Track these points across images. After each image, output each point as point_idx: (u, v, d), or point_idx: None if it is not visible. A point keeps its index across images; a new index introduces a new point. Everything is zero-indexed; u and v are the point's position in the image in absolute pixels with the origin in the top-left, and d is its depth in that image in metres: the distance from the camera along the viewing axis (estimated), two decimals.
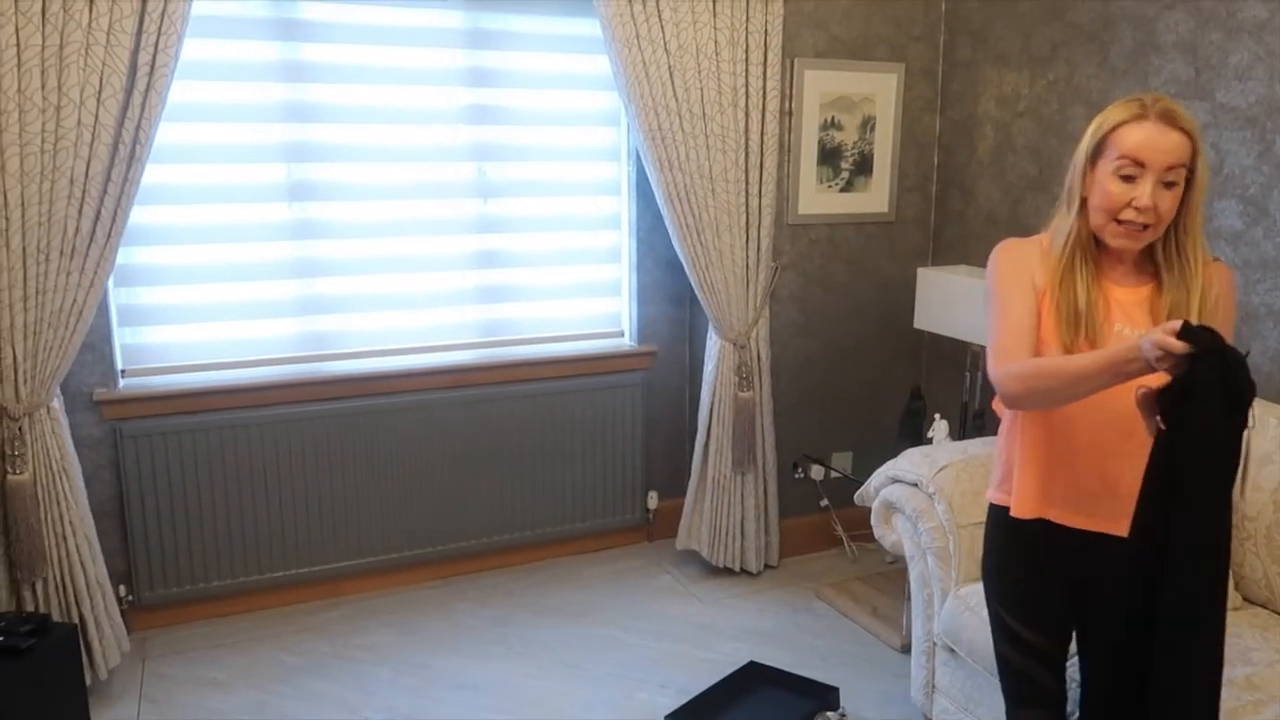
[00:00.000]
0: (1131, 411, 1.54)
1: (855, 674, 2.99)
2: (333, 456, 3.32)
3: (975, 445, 2.70)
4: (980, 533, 2.43)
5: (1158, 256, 1.66)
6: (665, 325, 3.78)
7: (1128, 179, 1.57)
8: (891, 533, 2.67)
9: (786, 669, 2.92)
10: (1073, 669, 1.90)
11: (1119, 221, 1.60)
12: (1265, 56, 2.64)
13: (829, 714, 2.69)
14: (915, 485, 2.58)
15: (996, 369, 1.65)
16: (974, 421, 3.33)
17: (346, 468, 3.34)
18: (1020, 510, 1.75)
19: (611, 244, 3.74)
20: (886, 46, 3.64)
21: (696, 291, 3.46)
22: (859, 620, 3.31)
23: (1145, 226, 1.59)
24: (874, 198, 3.76)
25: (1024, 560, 1.81)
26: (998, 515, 1.85)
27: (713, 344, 3.53)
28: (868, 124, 3.67)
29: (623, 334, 3.82)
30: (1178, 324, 1.38)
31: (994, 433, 2.70)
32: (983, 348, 3.26)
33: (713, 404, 3.54)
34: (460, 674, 2.98)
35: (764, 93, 3.37)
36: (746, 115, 3.37)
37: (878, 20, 3.61)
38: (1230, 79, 2.74)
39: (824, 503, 3.88)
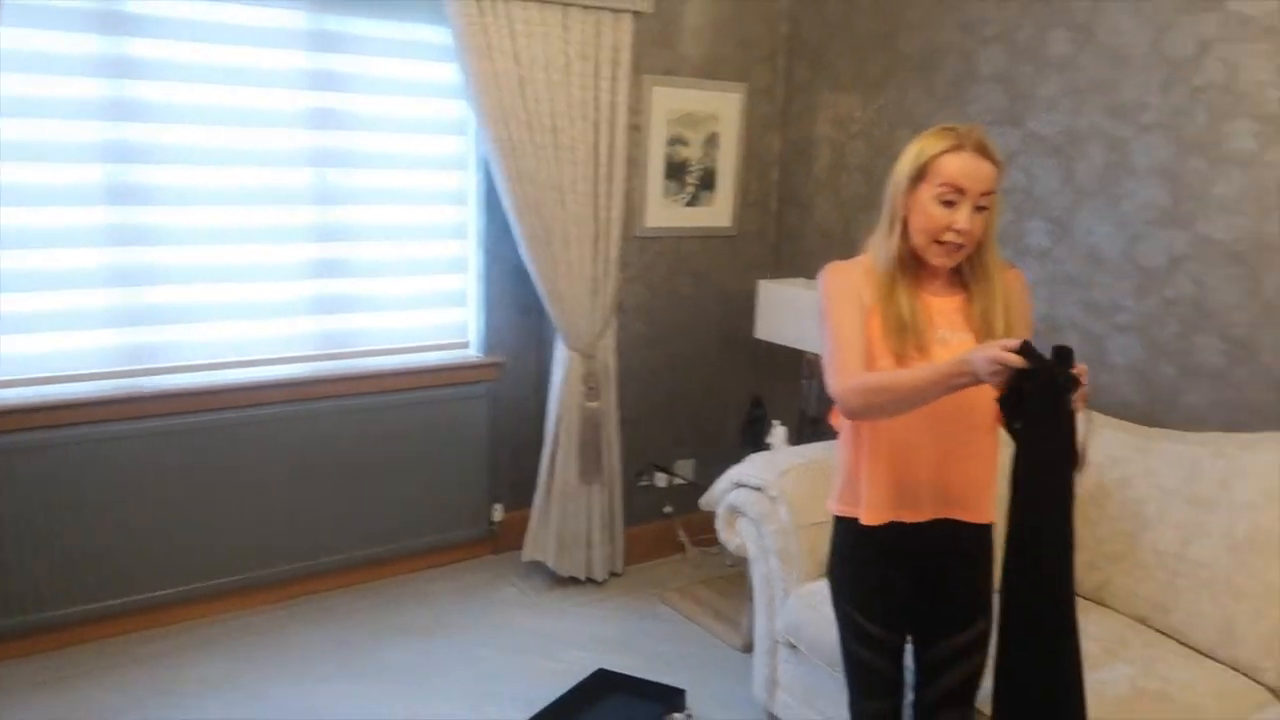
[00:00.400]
0: (961, 411, 1.72)
1: (700, 676, 3.05)
2: (161, 476, 3.10)
3: (814, 450, 2.82)
4: (821, 533, 2.54)
5: (964, 269, 1.84)
6: (513, 335, 3.77)
7: (948, 204, 1.73)
8: (736, 536, 2.75)
9: (634, 674, 2.95)
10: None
11: (939, 242, 1.76)
12: (1070, 91, 2.89)
13: (676, 716, 2.74)
14: (759, 489, 2.66)
15: (837, 385, 1.75)
16: (811, 427, 3.48)
17: (176, 488, 3.13)
18: (871, 518, 1.85)
19: (457, 253, 3.69)
20: (731, 66, 3.77)
21: (544, 301, 3.46)
22: (702, 623, 3.39)
23: (960, 246, 1.76)
24: (718, 212, 3.87)
25: (875, 563, 1.91)
26: (845, 525, 1.94)
27: (560, 354, 3.54)
28: (712, 141, 3.78)
29: (468, 344, 3.77)
30: (1016, 342, 1.54)
31: (830, 438, 2.84)
32: (818, 357, 3.42)
33: (560, 414, 3.54)
34: (300, 702, 2.85)
35: (614, 107, 3.43)
36: (596, 129, 3.41)
37: (724, 41, 3.74)
38: (1039, 109, 2.98)
39: (668, 509, 3.95)
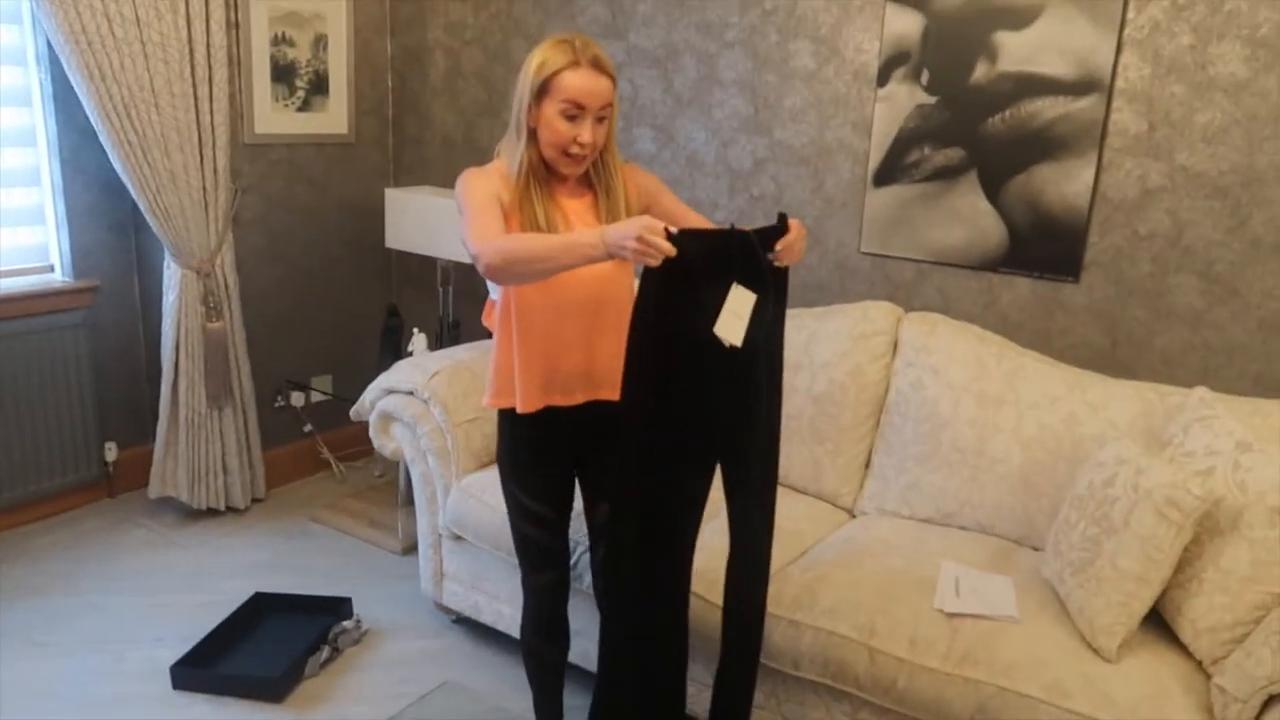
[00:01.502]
0: (604, 299, 1.92)
1: (364, 584, 3.09)
2: None
3: (461, 351, 2.92)
4: (474, 428, 2.69)
5: (590, 172, 1.99)
6: (107, 256, 3.39)
7: (571, 118, 1.86)
8: (391, 441, 2.80)
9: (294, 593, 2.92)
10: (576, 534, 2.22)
11: (566, 154, 1.89)
12: (663, 6, 3.17)
13: (345, 624, 2.77)
14: (410, 393, 2.72)
15: (476, 244, 1.79)
16: (450, 332, 3.57)
17: None
18: (526, 406, 1.97)
19: (25, 164, 3.22)
20: None
21: (147, 217, 3.15)
22: (358, 534, 3.41)
23: (586, 156, 1.91)
24: (332, 119, 3.73)
25: (535, 447, 2.06)
26: (505, 416, 2.07)
27: (171, 274, 3.26)
28: (320, 42, 3.61)
29: (53, 268, 3.33)
30: (660, 225, 1.64)
31: (470, 340, 2.96)
32: (453, 264, 3.51)
33: (178, 338, 3.28)
34: None
35: (206, 0, 3.14)
36: (189, 23, 3.11)
37: None
38: (639, 25, 3.24)
39: (308, 428, 3.86)
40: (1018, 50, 2.60)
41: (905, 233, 2.88)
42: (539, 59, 1.87)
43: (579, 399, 2.01)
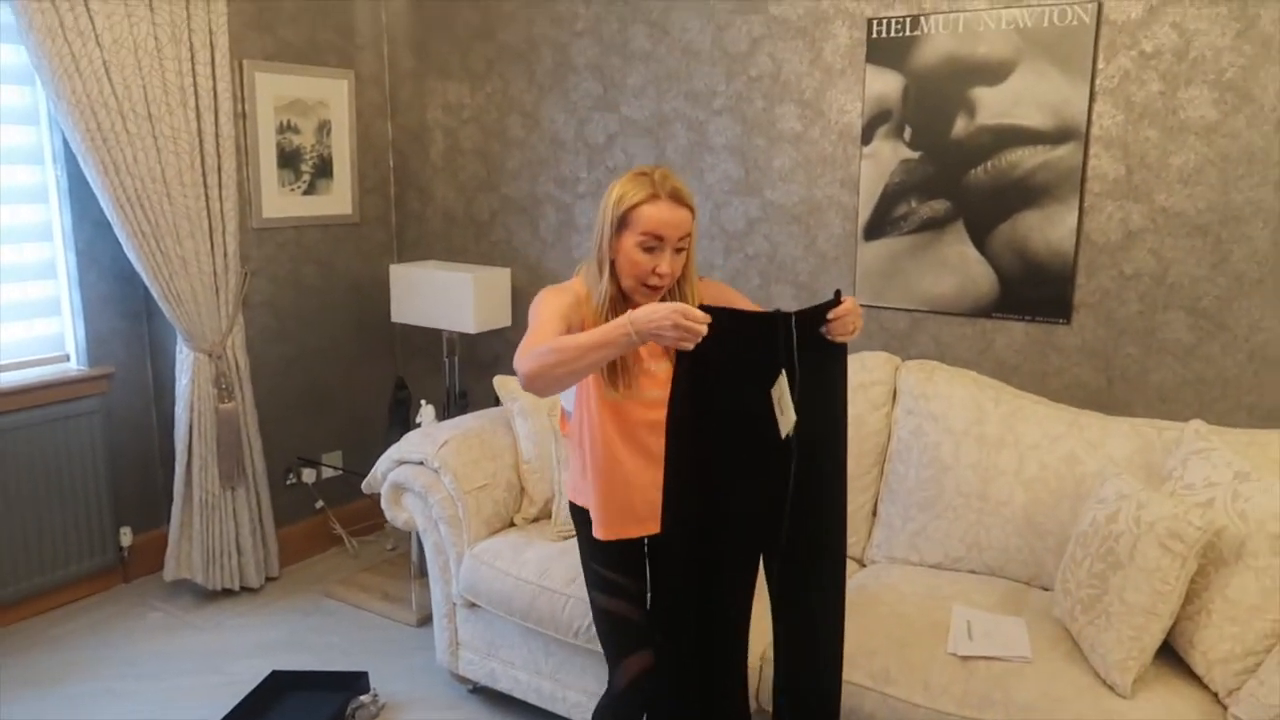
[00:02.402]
0: (647, 425, 1.93)
1: (380, 658, 3.09)
2: None
3: (468, 420, 2.98)
4: (484, 496, 2.74)
5: (665, 298, 1.97)
6: (121, 344, 3.47)
7: (649, 250, 1.88)
8: (403, 511, 2.83)
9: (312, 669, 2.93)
10: None
11: (645, 285, 1.91)
12: (653, 79, 3.29)
13: (362, 698, 2.77)
14: (421, 463, 2.77)
15: (518, 358, 1.79)
16: (458, 402, 3.62)
17: None
18: (606, 535, 2.03)
19: (42, 258, 3.32)
20: (335, 53, 3.75)
21: (160, 303, 3.24)
22: (372, 608, 3.42)
23: (663, 285, 1.93)
24: (337, 200, 3.85)
25: (610, 559, 2.08)
26: (582, 514, 2.09)
27: (184, 358, 3.34)
28: (324, 128, 3.74)
29: (69, 357, 3.41)
30: (704, 319, 1.65)
31: (477, 409, 3.01)
32: (457, 334, 3.58)
33: (191, 420, 3.34)
34: None
35: (215, 93, 3.27)
36: (199, 116, 3.24)
37: (324, 27, 3.70)
38: (630, 97, 3.36)
39: (319, 504, 3.89)
40: (995, 104, 2.70)
41: (898, 284, 2.95)
42: (618, 192, 1.89)
43: (651, 529, 1.97)
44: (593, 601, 2.13)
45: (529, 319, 1.93)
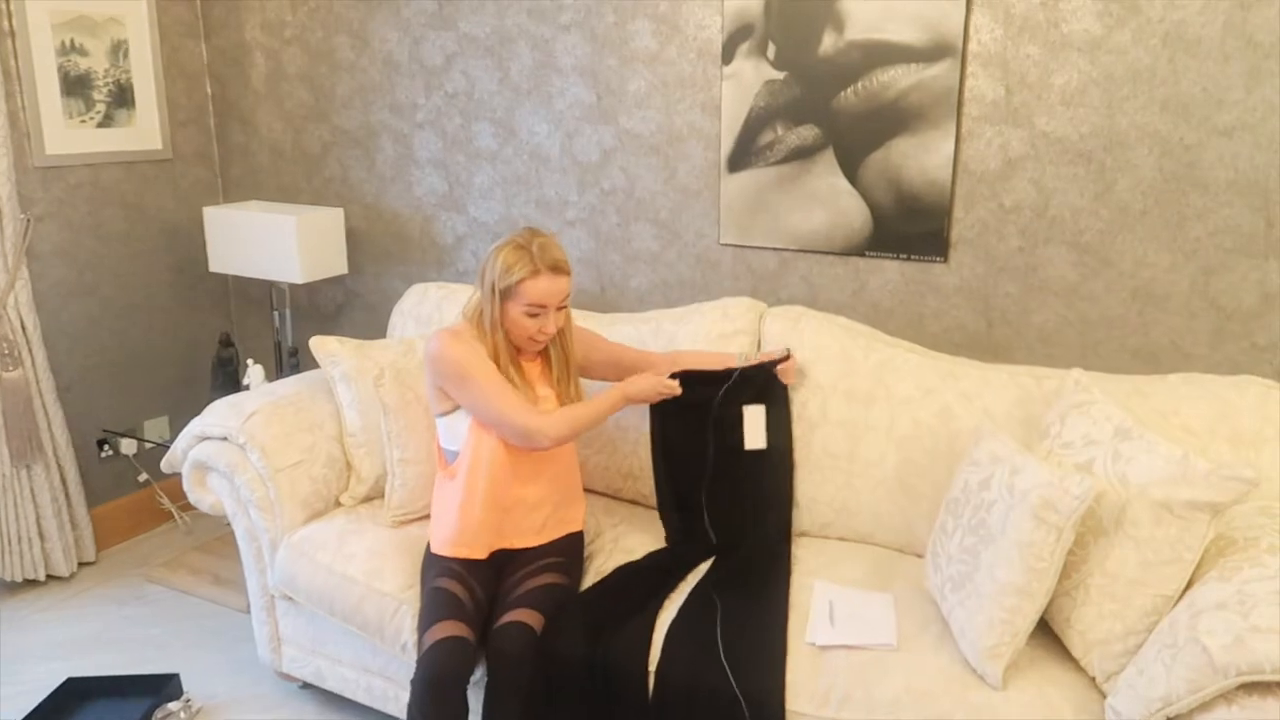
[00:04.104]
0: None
1: (202, 651, 2.76)
2: None
3: (284, 385, 2.61)
4: (300, 475, 2.41)
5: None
6: None
7: (534, 316, 2.08)
8: (209, 494, 2.48)
9: (117, 673, 2.58)
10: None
11: (532, 340, 2.12)
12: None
13: (171, 705, 2.44)
14: (225, 439, 2.41)
15: (534, 422, 2.04)
16: (290, 360, 3.24)
17: None
18: (455, 552, 2.14)
19: None
20: None
21: None
22: (199, 593, 3.06)
23: (546, 341, 2.15)
24: (142, 133, 3.36)
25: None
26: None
27: None
28: (119, 49, 3.24)
29: None
30: (667, 377, 2.18)
31: (311, 368, 2.65)
32: (289, 285, 3.19)
33: None
34: None
35: None
36: None
37: None
38: (468, 13, 2.96)
39: (143, 477, 3.48)
40: (865, 17, 2.41)
41: (765, 220, 2.67)
42: (502, 263, 2.05)
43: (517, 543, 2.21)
44: (429, 584, 2.08)
45: (458, 371, 2.06)
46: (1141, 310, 2.31)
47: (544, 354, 2.22)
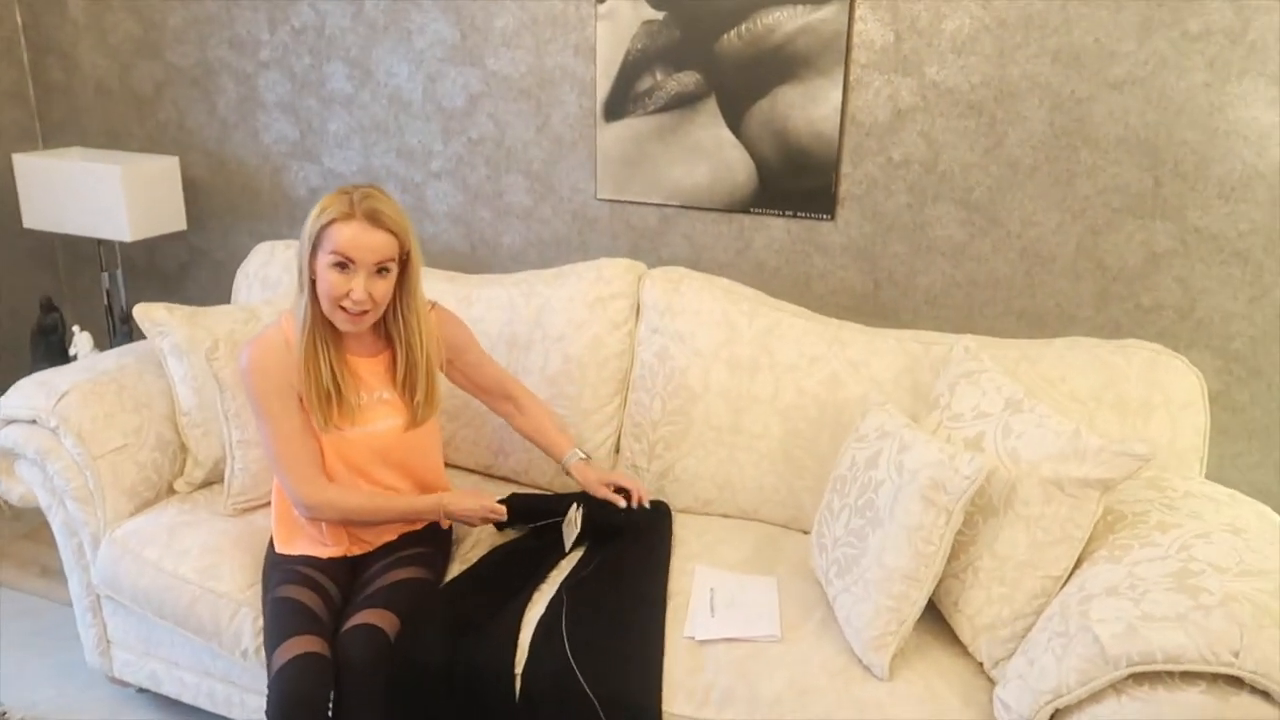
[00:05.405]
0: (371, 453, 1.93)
1: (28, 654, 2.48)
2: None
3: (106, 359, 2.31)
4: (123, 460, 2.15)
5: (388, 325, 1.89)
6: None
7: (343, 269, 1.75)
8: (18, 484, 2.18)
9: None
10: None
11: (341, 309, 1.78)
12: None
13: None
14: (34, 421, 2.11)
15: (308, 495, 1.82)
16: (122, 327, 2.92)
17: None
18: (302, 550, 1.94)
19: None
20: None
21: None
22: (24, 588, 2.76)
23: (364, 312, 1.79)
24: None
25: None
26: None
27: None
28: None
29: None
30: (493, 501, 1.94)
31: (143, 336, 2.36)
32: (120, 243, 2.86)
33: None
34: None
35: None
36: None
37: None
38: None
39: None
40: None
41: (645, 173, 2.49)
42: (319, 206, 1.78)
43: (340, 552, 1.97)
44: (272, 593, 1.83)
45: (250, 398, 1.84)
46: (1029, 270, 2.23)
47: (388, 344, 1.93)
